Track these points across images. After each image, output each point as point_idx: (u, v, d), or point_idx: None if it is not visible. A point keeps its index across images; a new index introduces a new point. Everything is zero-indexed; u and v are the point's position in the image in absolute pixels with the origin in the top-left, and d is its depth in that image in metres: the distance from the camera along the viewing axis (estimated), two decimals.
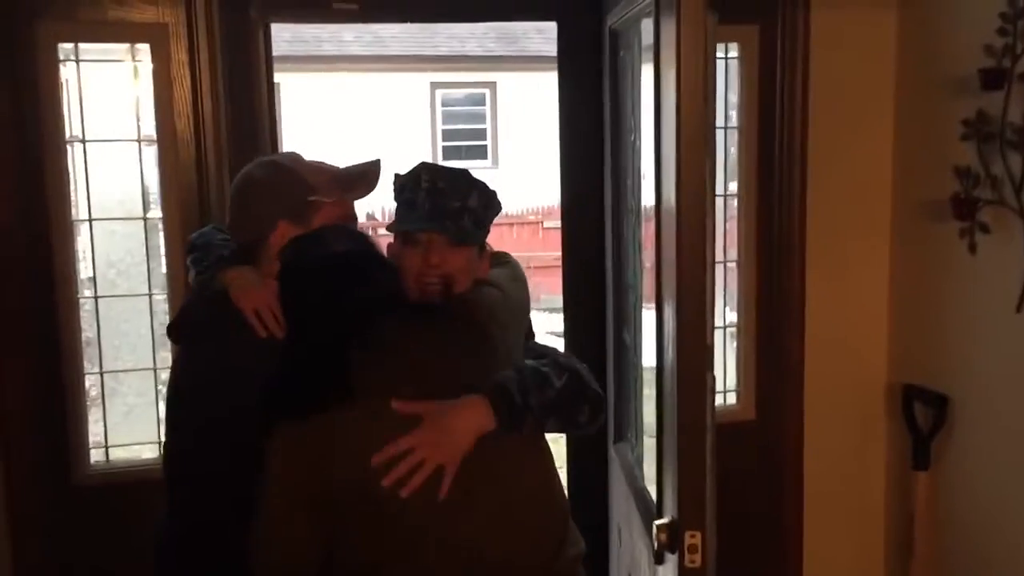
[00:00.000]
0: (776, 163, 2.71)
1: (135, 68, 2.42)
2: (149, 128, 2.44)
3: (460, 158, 14.37)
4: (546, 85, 15.63)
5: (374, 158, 1.97)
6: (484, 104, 14.83)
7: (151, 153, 2.45)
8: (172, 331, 1.91)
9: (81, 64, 2.41)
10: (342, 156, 2.11)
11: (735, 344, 2.82)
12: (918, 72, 2.64)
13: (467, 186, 1.79)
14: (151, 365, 2.53)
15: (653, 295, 2.31)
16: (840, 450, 2.81)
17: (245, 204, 1.87)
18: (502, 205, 1.87)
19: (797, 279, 2.72)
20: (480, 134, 14.83)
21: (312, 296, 1.70)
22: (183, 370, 1.88)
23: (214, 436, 1.75)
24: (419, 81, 14.00)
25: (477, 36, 13.59)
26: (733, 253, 2.79)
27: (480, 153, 14.72)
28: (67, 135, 2.39)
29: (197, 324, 1.87)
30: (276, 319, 1.73)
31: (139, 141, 2.47)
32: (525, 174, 13.42)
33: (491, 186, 1.83)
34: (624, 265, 2.70)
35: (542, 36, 13.24)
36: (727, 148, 2.73)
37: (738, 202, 2.76)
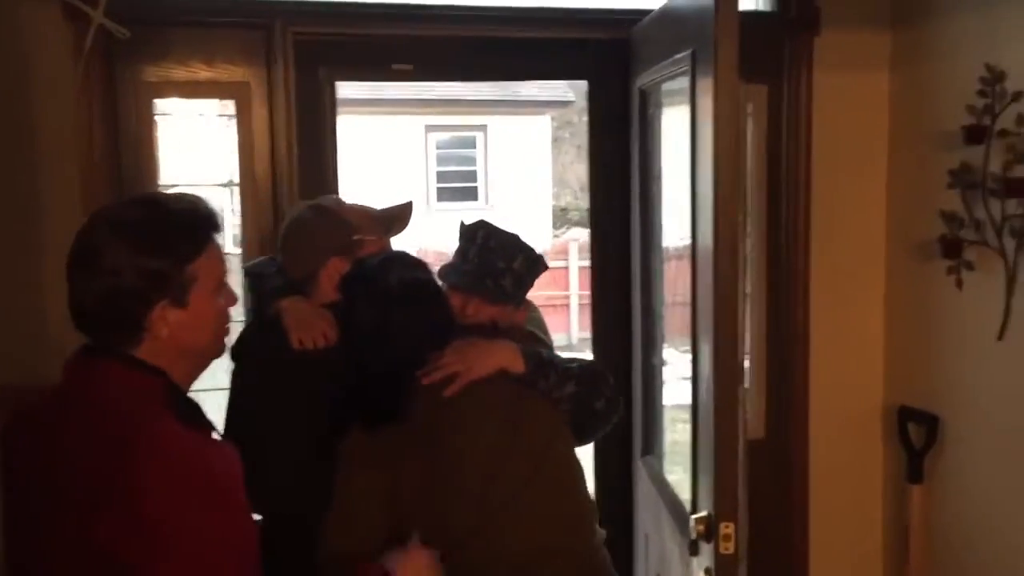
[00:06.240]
0: (782, 207, 2.99)
1: (221, 120, 2.71)
2: (233, 173, 2.70)
3: (452, 199, 14.65)
4: (534, 128, 15.92)
5: (406, 201, 2.26)
6: (475, 147, 15.15)
7: (232, 194, 2.71)
8: (232, 353, 2.13)
9: (173, 117, 2.69)
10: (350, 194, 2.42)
11: (747, 369, 3.10)
12: (908, 127, 2.93)
13: (515, 250, 2.03)
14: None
15: (680, 325, 2.59)
16: (841, 465, 3.06)
17: (299, 244, 2.11)
18: (547, 266, 2.13)
19: (802, 311, 2.99)
20: (471, 176, 15.13)
21: (379, 326, 1.89)
22: (235, 387, 2.11)
23: (264, 446, 1.93)
24: (414, 124, 14.32)
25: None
26: (747, 288, 3.07)
27: (472, 194, 14.98)
28: (160, 179, 2.66)
29: (249, 347, 2.11)
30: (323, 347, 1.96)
31: (225, 184, 2.74)
32: (517, 214, 13.70)
33: (538, 251, 2.09)
34: (652, 295, 2.97)
35: (531, 82, 13.57)
36: None
37: (749, 242, 3.05)
